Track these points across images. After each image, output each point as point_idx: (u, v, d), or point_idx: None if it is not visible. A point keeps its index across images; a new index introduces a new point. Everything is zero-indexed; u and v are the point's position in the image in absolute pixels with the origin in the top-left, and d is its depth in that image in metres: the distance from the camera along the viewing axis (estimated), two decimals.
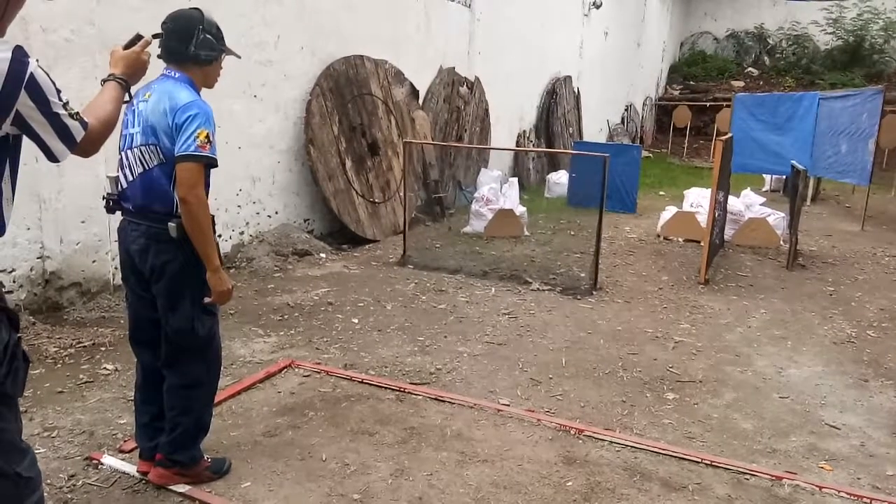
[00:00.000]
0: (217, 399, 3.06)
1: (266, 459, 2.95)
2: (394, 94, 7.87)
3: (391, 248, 6.94)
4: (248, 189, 6.26)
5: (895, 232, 8.82)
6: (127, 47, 2.24)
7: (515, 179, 8.79)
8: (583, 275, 6.14)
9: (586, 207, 8.01)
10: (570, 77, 13.29)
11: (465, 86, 9.63)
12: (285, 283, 5.65)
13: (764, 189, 11.56)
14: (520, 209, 7.96)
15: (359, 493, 2.73)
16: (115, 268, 4.96)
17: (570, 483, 2.86)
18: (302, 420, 3.32)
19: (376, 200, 7.45)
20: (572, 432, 3.28)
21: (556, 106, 12.48)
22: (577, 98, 13.72)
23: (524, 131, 11.87)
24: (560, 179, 10.50)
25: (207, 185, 2.49)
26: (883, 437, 3.41)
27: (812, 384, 4.02)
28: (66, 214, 4.59)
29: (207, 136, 2.40)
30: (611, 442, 3.21)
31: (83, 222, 4.71)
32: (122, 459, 2.88)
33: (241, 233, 6.24)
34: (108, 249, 4.86)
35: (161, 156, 2.44)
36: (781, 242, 7.47)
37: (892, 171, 12.05)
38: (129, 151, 2.52)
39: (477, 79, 9.96)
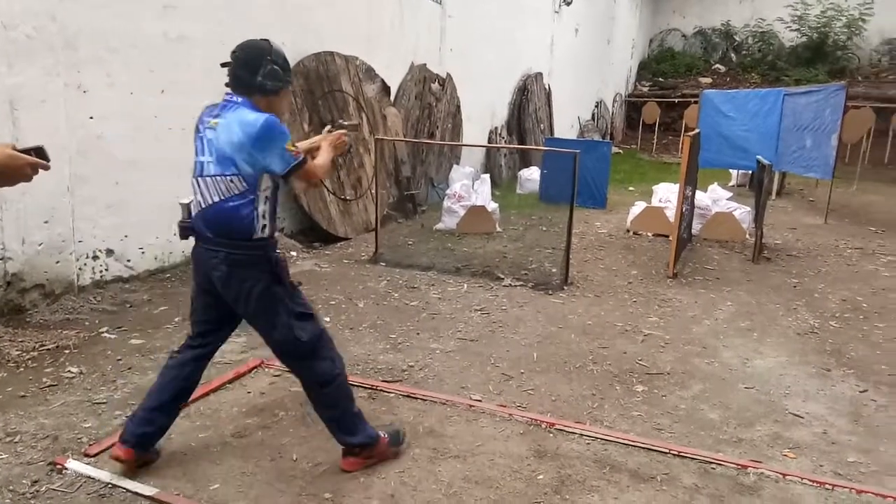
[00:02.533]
0: None
1: (236, 460, 2.92)
2: (365, 90, 7.83)
3: (363, 246, 6.91)
4: None
5: (857, 225, 9.05)
6: (24, 152, 1.90)
7: (487, 176, 8.81)
8: (554, 270, 6.19)
9: (557, 203, 8.05)
10: (541, 74, 13.35)
11: (436, 82, 9.62)
12: None
13: (730, 184, 11.75)
14: (492, 205, 7.99)
15: (330, 492, 2.72)
16: (80, 269, 4.88)
17: (541, 476, 2.89)
18: (272, 420, 3.30)
19: (348, 198, 7.41)
20: (543, 426, 3.31)
21: (528, 103, 12.53)
22: (549, 95, 13.79)
23: (496, 128, 11.89)
24: (531, 176, 10.55)
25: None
26: (844, 425, 3.49)
27: (776, 374, 4.11)
28: (28, 214, 4.49)
29: (293, 144, 2.55)
30: (581, 435, 3.24)
31: (46, 222, 4.61)
32: (87, 464, 2.83)
33: None
34: (72, 250, 4.77)
35: (243, 184, 2.48)
36: (747, 236, 7.61)
37: (854, 165, 12.33)
38: (200, 179, 2.55)
39: (448, 75, 9.96)
